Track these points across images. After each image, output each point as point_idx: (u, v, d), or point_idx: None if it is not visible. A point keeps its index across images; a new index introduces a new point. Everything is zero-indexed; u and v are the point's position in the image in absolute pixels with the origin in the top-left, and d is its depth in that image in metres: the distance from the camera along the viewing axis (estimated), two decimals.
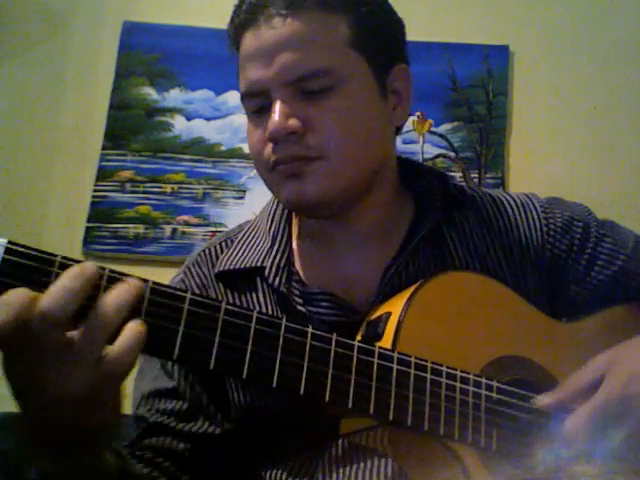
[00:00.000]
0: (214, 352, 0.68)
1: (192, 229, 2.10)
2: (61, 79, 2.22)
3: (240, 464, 1.00)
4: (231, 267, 1.03)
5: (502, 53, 2.16)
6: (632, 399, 0.80)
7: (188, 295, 0.68)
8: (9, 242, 0.63)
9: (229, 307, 0.70)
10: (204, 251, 1.08)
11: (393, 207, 1.04)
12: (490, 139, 2.13)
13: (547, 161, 2.11)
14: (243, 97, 0.97)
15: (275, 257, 1.01)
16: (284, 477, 0.94)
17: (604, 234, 1.06)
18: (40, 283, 0.62)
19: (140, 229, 2.09)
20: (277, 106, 0.91)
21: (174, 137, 2.17)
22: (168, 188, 2.13)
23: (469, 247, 1.02)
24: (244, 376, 0.70)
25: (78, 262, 0.64)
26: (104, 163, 2.14)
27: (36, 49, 2.22)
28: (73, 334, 0.62)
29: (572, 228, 1.05)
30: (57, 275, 0.63)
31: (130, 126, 2.17)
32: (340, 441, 0.92)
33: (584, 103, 2.13)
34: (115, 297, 0.63)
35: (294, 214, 1.07)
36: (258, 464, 0.98)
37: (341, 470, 0.91)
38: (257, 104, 0.95)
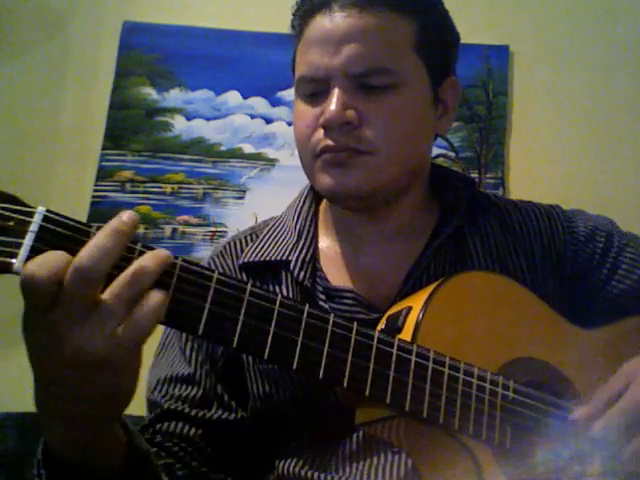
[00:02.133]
0: (238, 331, 0.69)
1: (192, 229, 2.09)
2: (61, 79, 2.21)
3: (253, 453, 1.01)
4: (256, 259, 1.04)
5: (502, 53, 2.17)
6: None
7: (215, 275, 0.69)
8: (47, 210, 0.64)
9: (254, 289, 0.71)
10: (229, 243, 1.10)
11: (421, 210, 1.06)
12: (490, 139, 2.13)
13: (547, 161, 2.11)
14: (300, 80, 0.98)
15: (301, 252, 1.02)
16: (297, 469, 0.94)
17: (626, 244, 1.07)
18: (75, 252, 0.63)
19: (140, 229, 2.09)
20: (336, 95, 0.93)
21: (174, 137, 2.17)
22: (168, 188, 2.13)
23: (491, 251, 1.03)
24: (266, 356, 0.71)
25: None
26: (104, 163, 2.13)
27: (36, 49, 2.21)
28: (99, 296, 0.63)
29: (595, 237, 1.06)
30: None
31: (130, 126, 2.17)
32: (354, 436, 0.92)
33: (584, 103, 2.14)
34: (144, 262, 0.64)
35: (320, 211, 1.09)
36: (271, 454, 0.98)
37: (355, 464, 0.91)
38: (313, 88, 0.97)
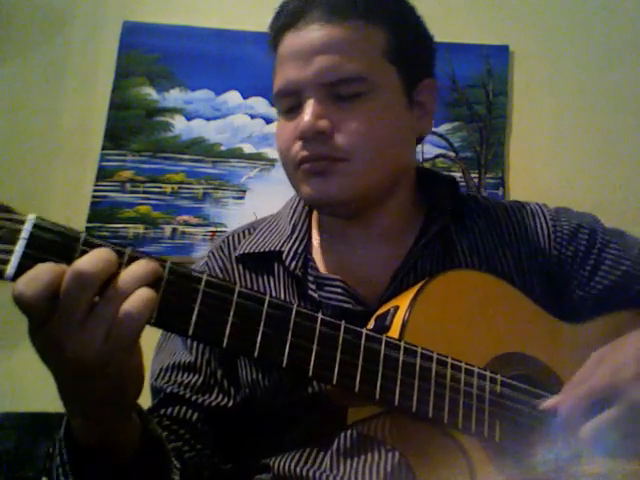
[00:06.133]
0: (227, 331, 0.70)
1: (192, 229, 2.10)
2: (61, 79, 2.22)
3: (251, 441, 1.02)
4: (251, 250, 1.08)
5: (502, 53, 2.17)
6: (620, 385, 0.82)
7: (204, 277, 0.71)
8: (37, 217, 0.65)
9: (242, 290, 0.72)
10: (228, 237, 1.13)
11: (408, 212, 1.08)
12: (490, 139, 2.13)
13: (547, 161, 2.11)
14: (277, 95, 1.01)
15: (294, 244, 1.05)
16: (292, 466, 0.95)
17: (609, 240, 1.08)
18: (65, 258, 0.65)
19: (140, 229, 2.09)
20: (309, 106, 0.96)
21: (174, 137, 2.17)
22: (168, 188, 2.13)
23: (478, 250, 1.05)
24: (255, 355, 0.72)
25: (100, 239, 0.68)
26: (104, 163, 2.14)
27: (36, 49, 2.22)
28: (94, 301, 0.66)
29: (578, 235, 1.08)
30: (82, 252, 0.66)
31: (130, 126, 2.17)
32: (348, 433, 0.93)
33: (584, 103, 2.14)
34: (134, 269, 0.67)
35: (313, 211, 1.11)
36: (266, 451, 0.99)
37: (348, 462, 0.92)
38: (289, 103, 0.99)
